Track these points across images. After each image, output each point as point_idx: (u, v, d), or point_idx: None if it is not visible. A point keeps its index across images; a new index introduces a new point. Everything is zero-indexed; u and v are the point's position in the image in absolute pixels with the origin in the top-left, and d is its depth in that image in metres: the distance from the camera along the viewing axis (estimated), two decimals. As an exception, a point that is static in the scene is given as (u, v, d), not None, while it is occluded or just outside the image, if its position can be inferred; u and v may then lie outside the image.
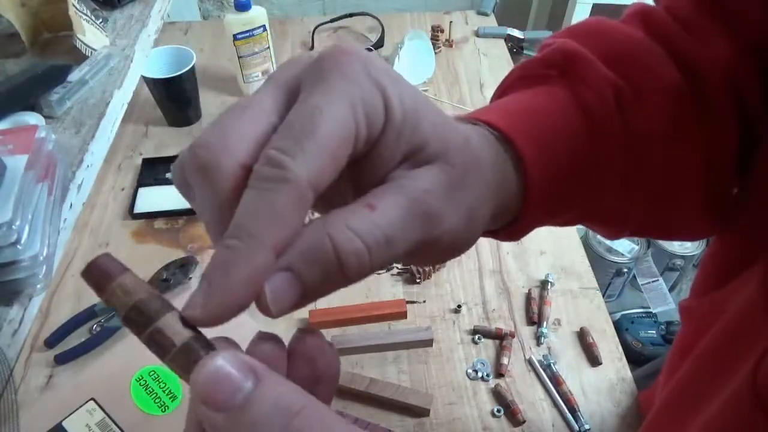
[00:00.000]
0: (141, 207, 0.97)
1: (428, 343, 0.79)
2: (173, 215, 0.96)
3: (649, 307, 1.52)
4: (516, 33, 1.35)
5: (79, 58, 0.67)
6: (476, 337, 0.80)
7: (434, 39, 1.27)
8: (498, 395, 0.74)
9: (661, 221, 0.39)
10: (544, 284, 0.86)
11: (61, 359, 0.77)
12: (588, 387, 0.75)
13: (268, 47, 1.14)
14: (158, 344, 0.21)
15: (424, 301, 0.85)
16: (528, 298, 0.85)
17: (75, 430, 0.68)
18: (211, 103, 1.16)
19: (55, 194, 0.53)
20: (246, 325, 0.77)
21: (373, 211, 0.23)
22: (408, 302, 0.83)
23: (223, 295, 0.20)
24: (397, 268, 0.88)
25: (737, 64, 0.35)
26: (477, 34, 1.35)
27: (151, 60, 1.03)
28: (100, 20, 0.73)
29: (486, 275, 0.88)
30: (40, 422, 0.68)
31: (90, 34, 0.69)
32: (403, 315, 0.82)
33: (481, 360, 0.77)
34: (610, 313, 0.84)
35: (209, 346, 0.21)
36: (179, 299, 0.59)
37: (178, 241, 0.92)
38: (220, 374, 0.19)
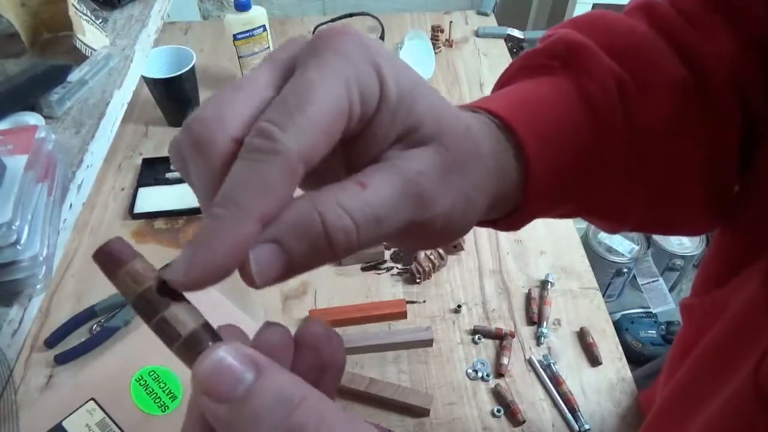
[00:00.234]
0: (141, 207, 0.97)
1: (428, 343, 0.79)
2: (173, 215, 0.96)
3: (649, 307, 1.52)
4: (516, 33, 1.35)
5: (79, 58, 0.67)
6: (476, 337, 0.80)
7: (434, 39, 1.27)
8: (498, 395, 0.74)
9: (661, 216, 0.39)
10: (544, 284, 0.86)
11: (61, 359, 0.77)
12: (588, 387, 0.75)
13: (268, 47, 1.14)
14: (164, 333, 0.21)
15: (424, 301, 0.85)
16: (528, 298, 0.85)
17: (75, 430, 0.68)
18: (211, 103, 1.15)
19: (55, 194, 0.53)
20: (243, 324, 0.77)
21: (365, 189, 0.23)
22: (408, 302, 0.83)
23: (205, 261, 0.20)
24: (397, 268, 0.88)
25: (741, 59, 0.34)
26: (477, 34, 1.35)
27: (151, 60, 1.03)
28: (100, 20, 0.73)
29: (486, 275, 0.88)
30: (40, 422, 0.68)
31: (90, 34, 0.69)
32: (403, 315, 0.82)
33: (481, 360, 0.77)
34: (610, 313, 0.84)
35: (215, 336, 0.21)
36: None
37: (178, 241, 0.92)
38: (222, 366, 0.19)
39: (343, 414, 0.20)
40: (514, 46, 1.36)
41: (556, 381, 0.75)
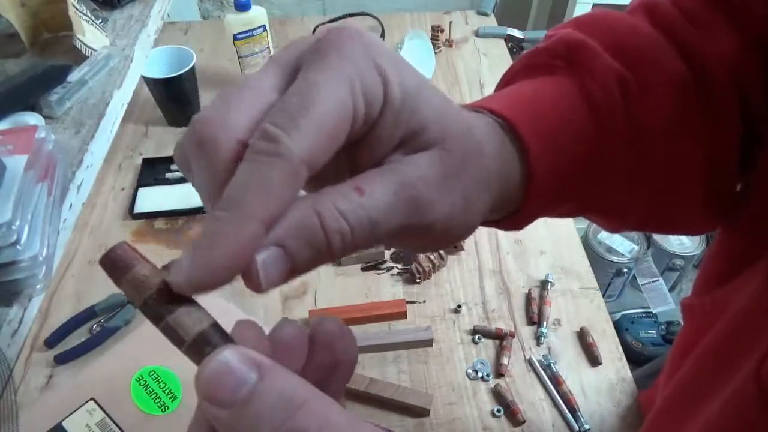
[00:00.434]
0: (141, 207, 0.97)
1: (428, 343, 0.78)
2: (173, 215, 0.96)
3: (649, 307, 1.52)
4: (516, 33, 1.35)
5: (79, 58, 0.67)
6: (476, 337, 0.80)
7: (434, 39, 1.27)
8: (498, 395, 0.74)
9: (662, 216, 0.39)
10: (544, 284, 0.86)
11: (61, 359, 0.77)
12: (588, 387, 0.75)
13: (268, 47, 1.14)
14: (171, 338, 0.21)
15: (424, 301, 0.85)
16: (528, 298, 0.85)
17: (75, 430, 0.68)
18: (211, 103, 1.16)
19: (54, 194, 0.53)
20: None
21: (362, 195, 0.23)
22: (408, 302, 0.83)
23: (208, 264, 0.20)
24: (397, 268, 0.88)
25: (742, 59, 0.34)
26: (477, 34, 1.35)
27: (151, 60, 1.03)
28: (100, 20, 0.73)
29: (486, 275, 0.88)
30: (40, 422, 0.68)
31: (90, 34, 0.69)
32: (403, 315, 0.82)
33: (481, 360, 0.77)
34: (610, 313, 0.84)
35: (223, 337, 0.21)
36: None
37: (178, 241, 0.92)
38: (222, 372, 0.19)
39: (346, 415, 0.20)
40: (514, 46, 1.36)
41: (556, 381, 0.75)
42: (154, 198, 0.98)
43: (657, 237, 1.62)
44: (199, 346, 0.21)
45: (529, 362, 0.77)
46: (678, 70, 0.34)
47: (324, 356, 0.24)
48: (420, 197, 0.25)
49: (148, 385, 0.71)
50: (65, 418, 0.68)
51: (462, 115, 0.28)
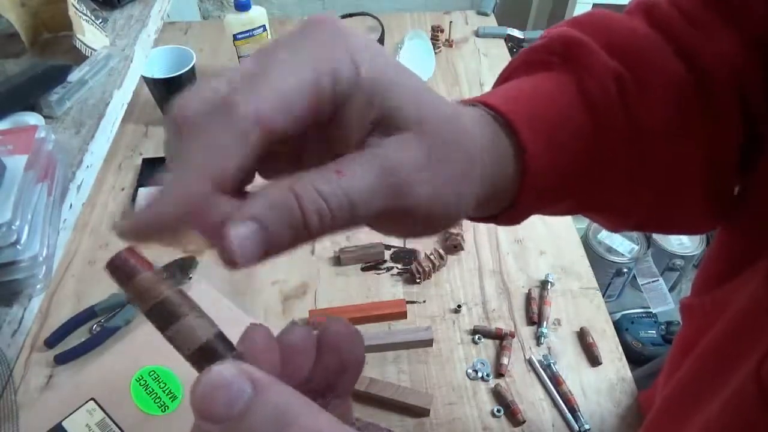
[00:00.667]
0: (141, 207, 0.96)
1: (428, 343, 0.78)
2: (173, 215, 0.96)
3: (649, 307, 1.52)
4: (516, 33, 1.35)
5: (79, 58, 0.67)
6: (476, 337, 0.80)
7: (434, 39, 1.27)
8: (498, 395, 0.74)
9: (663, 216, 0.39)
10: (544, 284, 0.86)
11: (61, 359, 0.77)
12: (588, 387, 0.75)
13: (268, 47, 1.14)
14: (175, 345, 0.22)
15: (424, 301, 0.84)
16: (528, 298, 0.85)
17: (75, 430, 0.68)
18: (211, 103, 1.15)
19: (54, 194, 0.53)
20: (243, 324, 0.77)
21: (341, 176, 0.23)
22: (408, 302, 0.83)
23: (149, 213, 0.21)
24: (397, 268, 0.88)
25: (742, 59, 0.34)
26: (477, 34, 1.35)
27: (151, 60, 1.03)
28: (100, 20, 0.73)
29: (486, 275, 0.88)
30: (40, 422, 0.68)
31: (90, 34, 0.69)
32: (403, 315, 0.82)
33: (481, 360, 0.77)
34: (610, 313, 0.84)
35: (227, 349, 0.22)
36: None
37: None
38: (216, 387, 0.19)
39: (339, 428, 0.20)
40: (514, 46, 1.36)
41: (556, 381, 0.75)
42: (154, 198, 0.98)
43: (657, 237, 1.62)
44: (201, 355, 0.21)
45: (529, 362, 0.77)
46: (677, 70, 0.34)
47: (332, 358, 0.24)
48: (400, 179, 0.25)
49: (148, 385, 0.71)
50: (65, 418, 0.68)
51: (444, 103, 0.28)
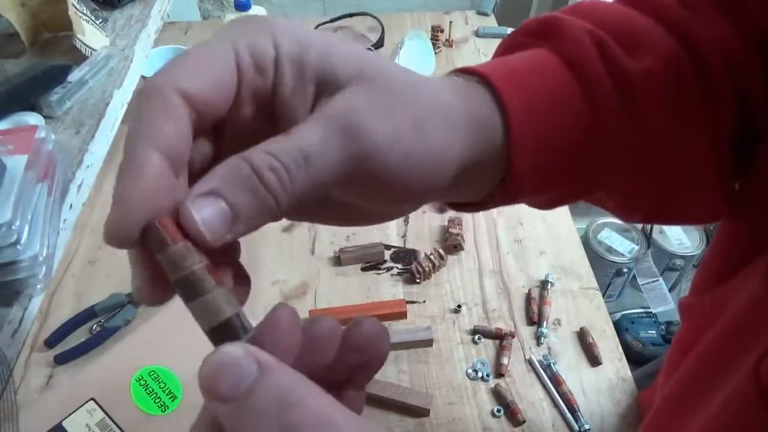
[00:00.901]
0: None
1: (428, 343, 0.78)
2: (173, 215, 0.96)
3: (649, 307, 1.52)
4: (516, 33, 1.35)
5: (79, 58, 0.67)
6: (476, 337, 0.80)
7: (434, 39, 1.27)
8: (498, 395, 0.74)
9: (674, 202, 0.36)
10: (544, 284, 0.86)
11: (61, 359, 0.77)
12: (588, 387, 0.75)
13: (268, 47, 1.14)
14: (196, 320, 0.22)
15: (424, 301, 0.85)
16: (528, 298, 0.85)
17: (75, 430, 0.68)
18: (211, 103, 1.15)
19: (55, 194, 0.53)
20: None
21: (291, 135, 0.24)
22: (408, 302, 0.83)
23: (115, 216, 0.22)
24: (397, 268, 0.89)
25: (739, 49, 0.33)
26: (477, 34, 1.35)
27: (151, 60, 1.03)
28: (100, 20, 0.73)
29: (486, 275, 0.88)
30: (40, 422, 0.68)
31: (90, 34, 0.69)
32: (403, 315, 0.82)
33: (481, 360, 0.77)
34: (610, 313, 0.84)
35: (244, 329, 0.22)
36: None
37: (178, 241, 0.92)
38: (222, 367, 0.20)
39: (345, 413, 0.20)
40: (514, 46, 1.36)
41: (556, 381, 0.75)
42: (154, 198, 0.98)
43: (657, 237, 1.62)
44: (219, 332, 0.22)
45: (529, 362, 0.77)
46: (671, 46, 0.33)
47: (356, 356, 0.24)
48: (351, 123, 0.24)
49: (148, 385, 0.71)
50: (65, 418, 0.69)
51: (396, 64, 0.27)
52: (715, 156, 0.34)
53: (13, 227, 0.46)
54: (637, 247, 1.54)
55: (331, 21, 1.34)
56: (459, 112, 0.28)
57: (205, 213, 0.22)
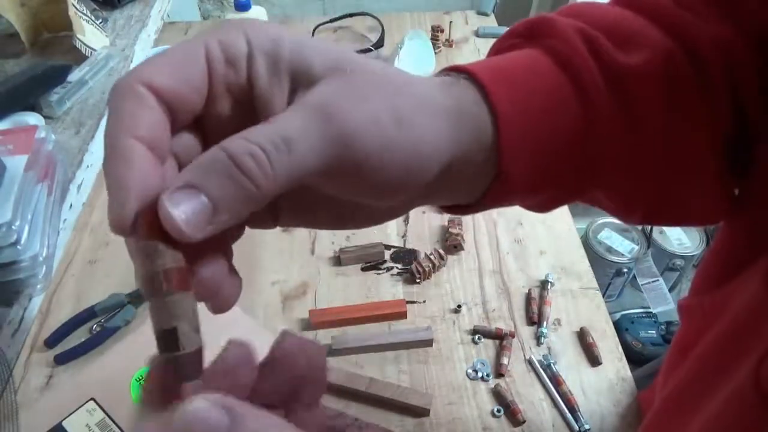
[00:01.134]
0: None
1: (428, 343, 0.79)
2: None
3: (649, 307, 1.53)
4: (516, 33, 1.35)
5: (79, 58, 0.67)
6: (476, 337, 0.80)
7: (434, 39, 1.27)
8: (498, 395, 0.74)
9: (671, 201, 0.36)
10: (544, 284, 0.86)
11: (61, 359, 0.77)
12: (588, 387, 0.75)
13: (268, 47, 1.14)
14: (150, 317, 0.22)
15: (424, 301, 0.85)
16: (528, 298, 0.85)
17: (75, 430, 0.68)
18: (211, 103, 1.15)
19: (55, 194, 0.53)
20: (243, 323, 0.77)
21: (270, 123, 0.24)
22: (408, 302, 0.83)
23: (112, 206, 0.22)
24: (397, 268, 0.88)
25: (738, 48, 0.33)
26: (477, 34, 1.35)
27: (151, 60, 1.03)
28: (100, 20, 0.74)
29: (486, 275, 0.88)
30: (40, 422, 0.68)
31: (90, 34, 0.69)
32: (403, 315, 0.82)
33: (481, 360, 0.77)
34: (610, 313, 0.84)
35: (182, 345, 0.22)
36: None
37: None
38: (193, 423, 0.20)
39: None
40: (514, 46, 1.36)
41: (556, 381, 0.75)
42: (154, 198, 0.98)
43: (657, 237, 1.62)
44: (164, 339, 0.22)
45: (529, 362, 0.77)
46: (665, 43, 0.32)
47: (283, 372, 0.24)
48: (329, 108, 0.24)
49: (148, 385, 0.71)
50: (65, 418, 0.68)
51: (370, 59, 0.27)
52: (714, 155, 0.34)
53: (13, 227, 0.46)
54: (637, 247, 1.54)
55: (331, 21, 1.34)
56: (443, 105, 0.28)
57: (182, 207, 0.22)
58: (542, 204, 0.36)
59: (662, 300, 1.49)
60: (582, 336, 0.80)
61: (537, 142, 0.30)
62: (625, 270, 1.53)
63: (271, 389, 0.24)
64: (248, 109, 0.26)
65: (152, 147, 0.23)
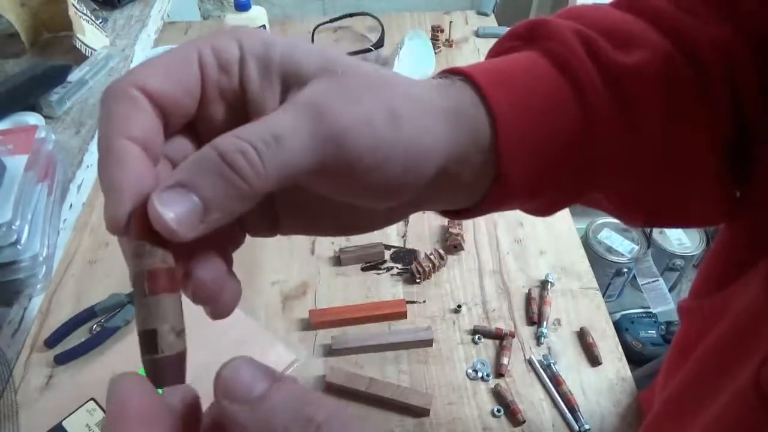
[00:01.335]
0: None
1: (428, 343, 0.79)
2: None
3: (649, 307, 1.53)
4: (516, 33, 1.35)
5: (79, 58, 0.67)
6: (476, 337, 0.80)
7: (434, 39, 1.27)
8: (498, 395, 0.74)
9: (672, 203, 0.36)
10: (544, 284, 0.86)
11: (61, 359, 0.77)
12: (588, 387, 0.75)
13: (268, 47, 1.14)
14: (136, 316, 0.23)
15: (424, 301, 0.85)
16: (528, 298, 0.85)
17: (75, 430, 0.68)
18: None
19: (55, 194, 0.53)
20: (244, 324, 0.77)
21: (260, 120, 0.24)
22: (408, 302, 0.83)
23: (107, 204, 0.23)
24: (397, 268, 0.88)
25: (737, 49, 0.32)
26: (477, 34, 1.35)
27: (151, 60, 1.03)
28: (100, 20, 0.74)
29: (486, 275, 0.88)
30: (40, 422, 0.68)
31: (90, 34, 0.69)
32: (403, 315, 0.82)
33: (481, 360, 0.77)
34: (610, 313, 0.84)
35: (161, 348, 0.22)
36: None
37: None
38: (238, 371, 0.21)
39: (352, 415, 0.21)
40: (514, 46, 1.36)
41: (556, 381, 0.75)
42: (154, 198, 0.98)
43: (657, 237, 1.62)
44: (144, 338, 0.22)
45: (529, 362, 0.77)
46: (665, 45, 0.32)
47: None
48: (319, 106, 0.24)
49: (148, 385, 0.71)
50: (65, 418, 0.69)
51: (361, 60, 0.27)
52: (714, 156, 0.34)
53: (13, 227, 0.46)
54: (637, 247, 1.54)
55: (331, 21, 1.34)
56: (440, 106, 0.28)
57: (172, 205, 0.21)
58: (542, 207, 0.35)
59: (662, 300, 1.49)
60: (582, 336, 0.80)
61: (535, 143, 0.30)
62: (625, 270, 1.53)
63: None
64: (241, 113, 0.26)
65: (146, 148, 0.23)
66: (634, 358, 1.40)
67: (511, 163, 0.30)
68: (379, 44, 1.26)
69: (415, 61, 1.20)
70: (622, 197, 0.35)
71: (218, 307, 0.26)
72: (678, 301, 0.44)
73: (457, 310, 0.83)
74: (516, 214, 0.97)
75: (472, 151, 0.29)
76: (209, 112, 0.26)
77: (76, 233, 0.91)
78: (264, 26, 1.10)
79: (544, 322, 0.81)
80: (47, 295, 0.82)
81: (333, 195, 0.27)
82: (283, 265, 0.89)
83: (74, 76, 0.65)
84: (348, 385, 0.73)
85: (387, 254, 0.90)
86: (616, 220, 1.53)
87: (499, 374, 0.76)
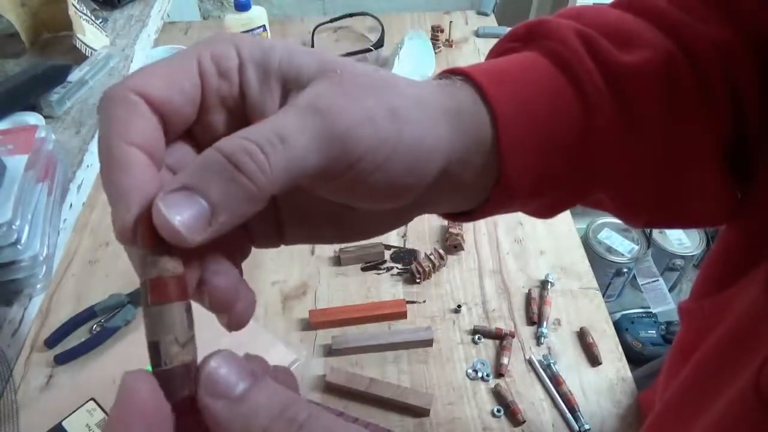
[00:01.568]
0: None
1: (428, 343, 0.79)
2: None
3: (649, 307, 1.53)
4: (516, 33, 1.35)
5: (79, 58, 0.67)
6: (476, 337, 0.80)
7: (434, 39, 1.27)
8: (498, 395, 0.74)
9: (673, 203, 0.36)
10: (544, 284, 0.86)
11: (61, 359, 0.77)
12: (588, 387, 0.75)
13: (268, 47, 1.14)
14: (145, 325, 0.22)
15: (424, 301, 0.85)
16: (528, 298, 0.85)
17: (75, 430, 0.68)
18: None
19: (55, 194, 0.53)
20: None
21: (264, 122, 0.24)
22: (408, 302, 0.83)
23: (115, 213, 0.22)
24: (397, 268, 0.88)
25: (736, 49, 0.32)
26: (477, 34, 1.35)
27: (150, 60, 1.03)
28: (100, 20, 0.74)
29: (486, 275, 0.88)
30: (40, 422, 0.68)
31: (90, 34, 0.69)
32: (403, 315, 0.82)
33: (481, 360, 0.77)
34: (610, 313, 0.84)
35: (164, 361, 0.22)
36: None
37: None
38: (221, 366, 0.21)
39: (334, 416, 0.21)
40: (514, 46, 1.36)
41: (556, 381, 0.75)
42: (154, 198, 0.98)
43: (657, 237, 1.62)
44: (151, 349, 0.21)
45: (529, 362, 0.77)
46: (666, 45, 0.32)
47: None
48: (321, 106, 0.24)
49: (148, 385, 0.71)
50: (65, 418, 0.68)
51: (359, 63, 0.28)
52: (714, 156, 0.34)
53: (13, 227, 0.46)
54: (637, 247, 1.54)
55: (331, 21, 1.34)
56: (441, 105, 0.28)
57: (178, 210, 0.21)
58: (544, 208, 0.35)
59: (662, 300, 1.49)
60: (582, 336, 0.80)
61: (537, 142, 0.30)
62: (625, 270, 1.53)
63: None
64: (241, 119, 0.26)
65: (148, 153, 0.23)
66: (634, 358, 1.40)
67: (512, 163, 0.30)
68: (379, 44, 1.26)
69: (415, 61, 1.20)
70: (623, 196, 0.35)
71: (234, 316, 0.25)
72: (678, 302, 0.44)
73: (457, 310, 0.83)
74: (516, 214, 0.96)
75: (473, 150, 0.29)
76: (209, 119, 0.26)
77: (76, 233, 0.91)
78: (264, 26, 1.10)
79: (544, 322, 0.81)
80: (47, 295, 0.82)
81: (337, 198, 0.27)
82: (283, 265, 0.89)
83: (74, 76, 0.65)
84: (348, 385, 0.73)
85: (387, 254, 0.90)
86: (616, 220, 1.53)
87: (499, 374, 0.76)
